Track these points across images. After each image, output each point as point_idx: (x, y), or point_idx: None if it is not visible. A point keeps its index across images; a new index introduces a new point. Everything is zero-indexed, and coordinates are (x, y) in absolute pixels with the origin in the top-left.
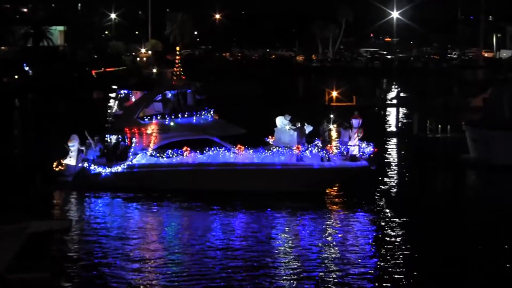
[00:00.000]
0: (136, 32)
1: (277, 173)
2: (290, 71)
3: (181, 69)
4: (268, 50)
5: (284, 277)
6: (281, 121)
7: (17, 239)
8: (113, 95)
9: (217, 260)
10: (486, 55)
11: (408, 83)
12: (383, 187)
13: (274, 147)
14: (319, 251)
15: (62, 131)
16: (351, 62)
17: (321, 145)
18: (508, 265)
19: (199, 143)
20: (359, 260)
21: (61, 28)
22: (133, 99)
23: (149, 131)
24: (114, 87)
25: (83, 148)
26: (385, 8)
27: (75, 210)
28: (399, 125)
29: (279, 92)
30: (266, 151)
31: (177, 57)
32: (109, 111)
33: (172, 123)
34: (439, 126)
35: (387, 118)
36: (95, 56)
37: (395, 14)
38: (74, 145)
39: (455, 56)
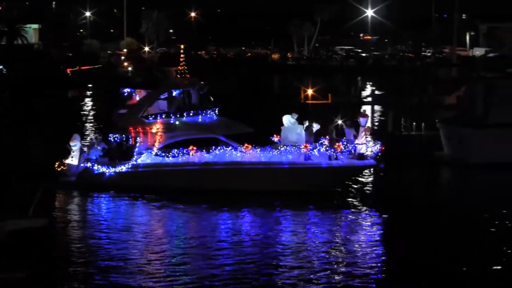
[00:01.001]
0: (112, 31)
1: (284, 172)
2: (266, 69)
3: (185, 67)
4: (243, 48)
5: (289, 277)
6: (288, 120)
7: None
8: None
9: (222, 260)
10: (459, 53)
11: (383, 81)
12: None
13: (281, 146)
14: (325, 251)
15: (39, 129)
16: (326, 60)
17: (328, 144)
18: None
19: (205, 142)
20: (364, 260)
21: (35, 26)
22: (137, 98)
23: (154, 130)
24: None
25: (85, 148)
26: (360, 7)
27: (78, 210)
28: (374, 122)
29: (255, 90)
30: (274, 150)
31: (182, 55)
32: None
33: (177, 122)
34: (414, 124)
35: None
36: (70, 54)
37: (369, 13)
38: (76, 145)
39: (429, 54)
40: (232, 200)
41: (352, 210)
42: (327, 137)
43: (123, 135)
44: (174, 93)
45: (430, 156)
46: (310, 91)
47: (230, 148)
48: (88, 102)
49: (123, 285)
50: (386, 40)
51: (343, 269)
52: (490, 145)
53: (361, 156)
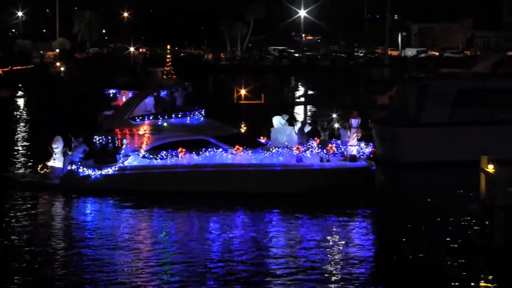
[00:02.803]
0: (44, 31)
1: (276, 174)
2: (200, 69)
3: (172, 68)
4: (176, 48)
5: (281, 280)
6: (279, 121)
7: None
8: None
9: (213, 263)
10: (391, 53)
11: (316, 81)
12: None
13: (272, 148)
14: (316, 253)
15: None
16: (259, 60)
17: (317, 145)
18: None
19: (195, 144)
20: (357, 262)
21: None
22: (123, 99)
23: (141, 132)
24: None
25: (68, 149)
26: (292, 7)
27: (62, 214)
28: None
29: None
30: (265, 151)
31: (168, 56)
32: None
33: (165, 124)
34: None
35: (295, 116)
36: (1, 54)
37: (302, 13)
38: (58, 147)
39: (361, 54)
40: (222, 203)
41: (343, 212)
42: (316, 138)
43: (109, 137)
44: (161, 94)
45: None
46: (243, 91)
47: (220, 150)
48: (20, 102)
49: None
50: (318, 41)
51: (334, 271)
52: (422, 144)
53: (353, 158)
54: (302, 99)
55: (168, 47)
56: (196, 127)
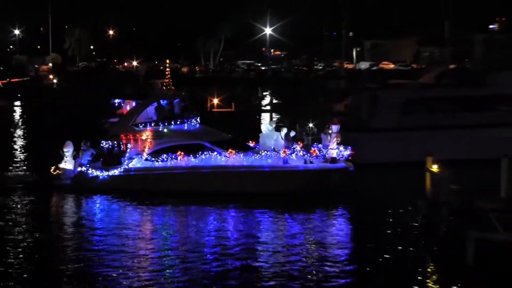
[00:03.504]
0: (38, 47)
1: (265, 175)
2: (177, 81)
3: (170, 80)
4: (156, 62)
5: (267, 276)
6: (266, 127)
7: None
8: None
9: (207, 251)
10: (347, 66)
11: (280, 91)
12: None
13: (261, 151)
14: (301, 249)
15: None
16: (230, 73)
17: (301, 149)
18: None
19: (192, 148)
20: (340, 258)
21: None
22: (127, 108)
23: (144, 137)
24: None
25: (78, 153)
26: (258, 25)
27: (73, 210)
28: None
29: None
30: (255, 154)
31: (167, 69)
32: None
33: (165, 130)
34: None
35: (261, 123)
36: (1, 68)
37: (268, 30)
38: (68, 151)
39: (320, 67)
40: (217, 201)
41: (325, 208)
42: (299, 142)
43: (115, 142)
44: (162, 103)
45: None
46: (215, 100)
47: (215, 153)
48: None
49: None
50: (282, 56)
51: (317, 266)
52: (374, 147)
53: (333, 160)
54: (268, 107)
55: (167, 61)
56: (193, 133)
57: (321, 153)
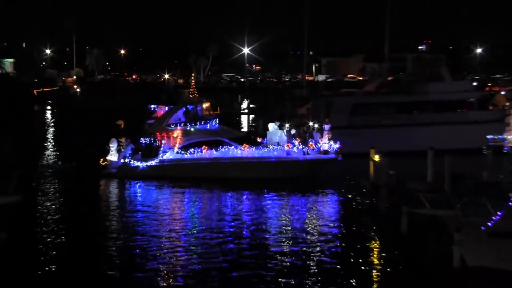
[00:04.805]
0: (65, 63)
1: (272, 164)
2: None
3: (196, 89)
4: (158, 75)
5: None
6: (272, 126)
7: None
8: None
9: (219, 230)
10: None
11: (255, 98)
12: None
13: (269, 145)
14: (299, 229)
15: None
16: (216, 84)
17: (299, 143)
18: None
19: (214, 143)
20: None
21: (11, 60)
22: (161, 112)
23: (175, 135)
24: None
25: (122, 147)
26: (238, 45)
27: (118, 194)
28: (249, 127)
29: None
30: (264, 148)
31: (192, 81)
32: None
33: (192, 129)
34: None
35: (241, 122)
36: (36, 80)
37: (246, 50)
38: (113, 146)
39: (287, 79)
40: (234, 185)
41: (318, 192)
42: (298, 138)
43: (152, 139)
44: (189, 108)
45: None
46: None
47: (232, 147)
48: (48, 113)
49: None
50: (258, 70)
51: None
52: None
53: (326, 152)
54: (246, 110)
55: (192, 74)
56: (214, 131)
57: (316, 147)
